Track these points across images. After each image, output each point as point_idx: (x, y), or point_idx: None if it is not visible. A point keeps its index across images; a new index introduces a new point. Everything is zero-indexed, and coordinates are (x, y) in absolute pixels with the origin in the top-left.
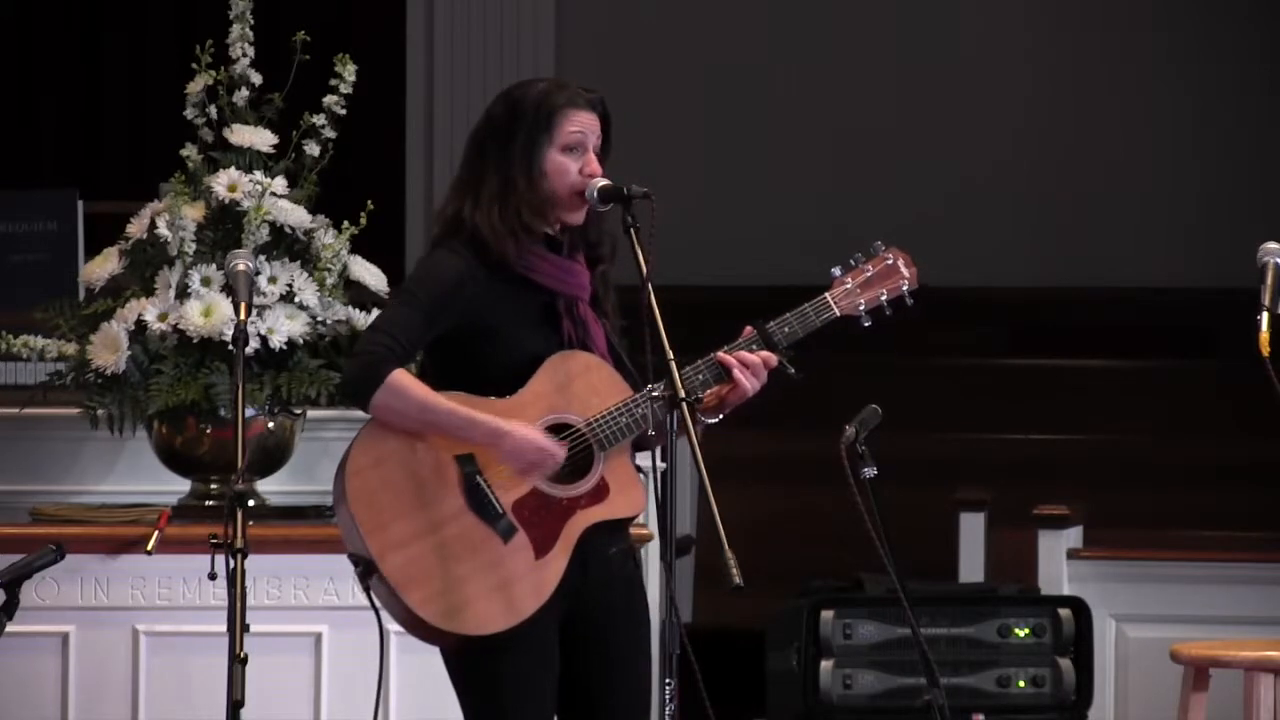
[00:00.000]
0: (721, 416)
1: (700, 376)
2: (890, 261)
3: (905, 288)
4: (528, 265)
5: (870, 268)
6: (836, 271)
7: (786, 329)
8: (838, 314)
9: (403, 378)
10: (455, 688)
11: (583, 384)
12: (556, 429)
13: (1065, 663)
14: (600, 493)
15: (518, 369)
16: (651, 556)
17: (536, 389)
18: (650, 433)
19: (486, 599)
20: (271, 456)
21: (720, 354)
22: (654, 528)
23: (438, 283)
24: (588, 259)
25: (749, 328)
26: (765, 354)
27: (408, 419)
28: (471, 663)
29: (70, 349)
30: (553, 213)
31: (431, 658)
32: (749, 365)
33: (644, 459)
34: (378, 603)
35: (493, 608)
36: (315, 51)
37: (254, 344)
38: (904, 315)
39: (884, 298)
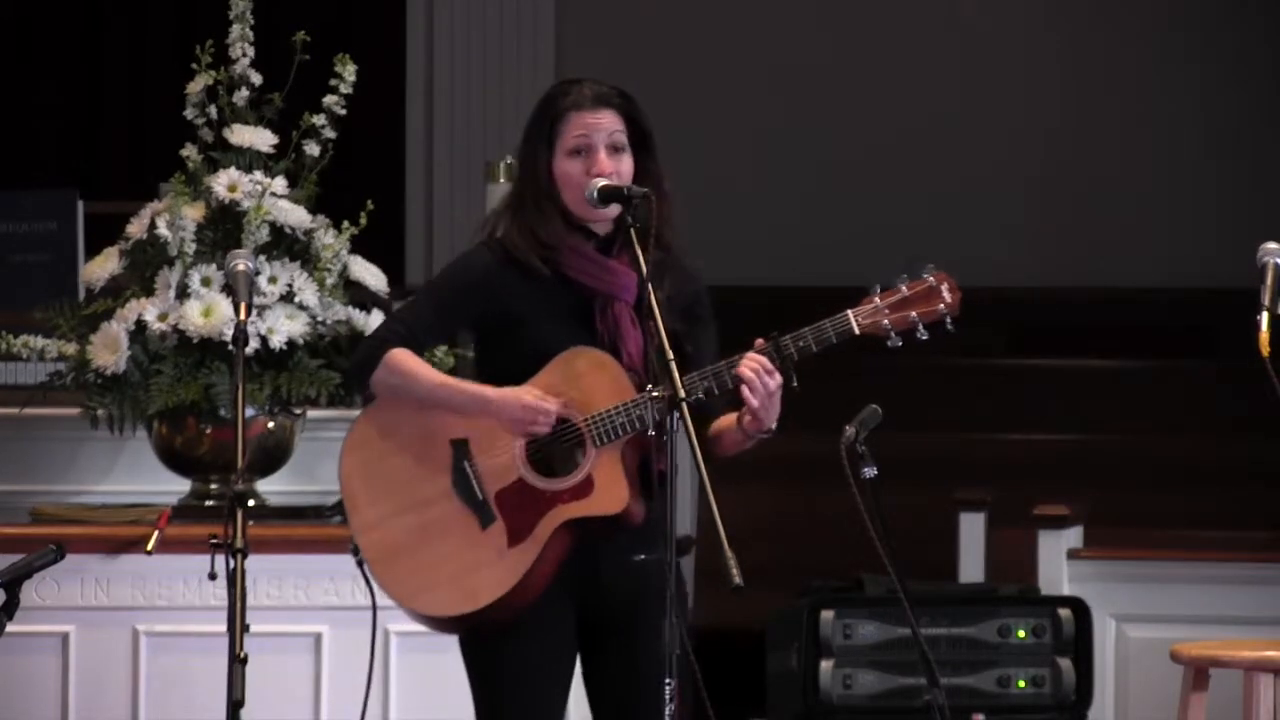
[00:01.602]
0: (771, 429)
1: (705, 383)
2: (932, 284)
3: (945, 312)
4: (564, 263)
5: (906, 289)
6: (876, 289)
7: (800, 342)
8: (857, 332)
9: (401, 354)
10: (467, 675)
11: (590, 381)
12: (556, 423)
13: (1065, 663)
14: (584, 489)
15: (543, 362)
16: None
17: (543, 382)
18: (651, 432)
19: (448, 583)
20: (271, 456)
21: (739, 369)
22: None
23: (456, 276)
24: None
25: (760, 340)
26: (774, 376)
27: (401, 392)
28: (478, 648)
29: (70, 349)
30: (574, 216)
31: (430, 657)
32: (750, 385)
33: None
34: (373, 581)
35: (452, 592)
36: (315, 51)
37: (254, 344)
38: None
39: (918, 321)
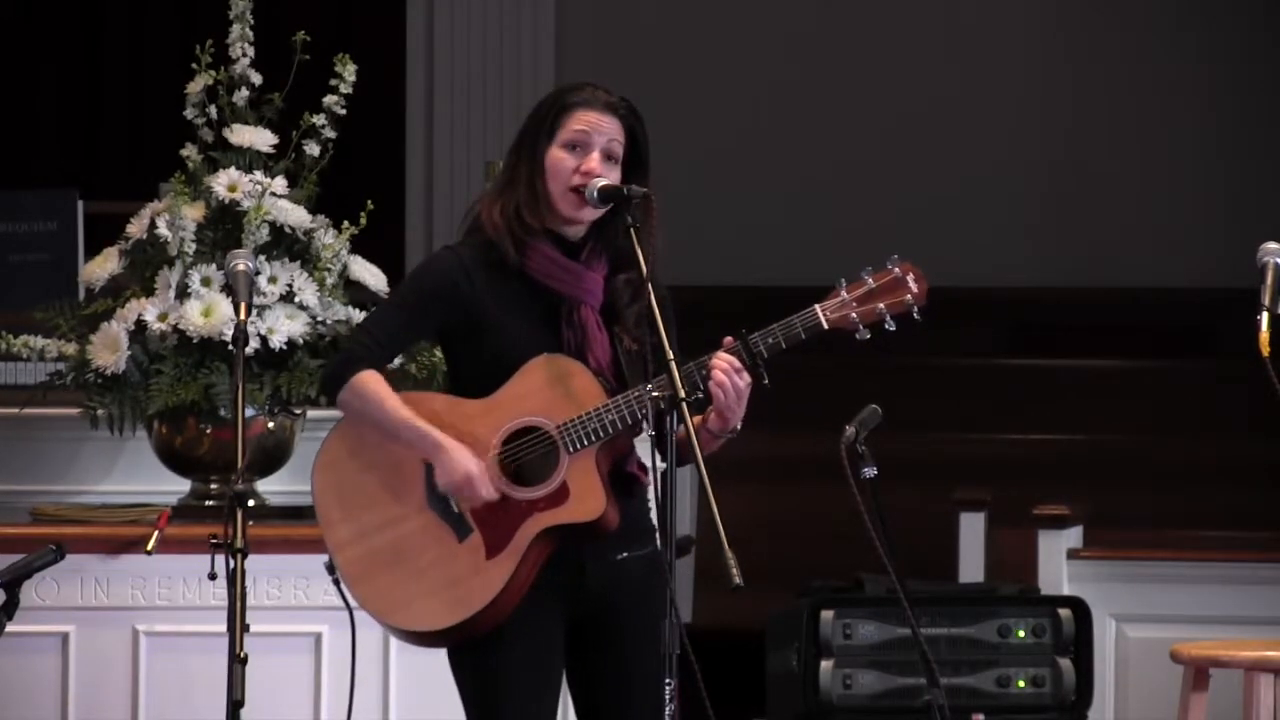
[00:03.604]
0: (736, 428)
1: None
2: (897, 275)
3: (911, 303)
4: (530, 265)
5: (872, 281)
6: (842, 283)
7: (770, 340)
8: (825, 327)
9: (366, 379)
10: (456, 683)
11: (560, 388)
12: (526, 431)
13: (1065, 663)
14: (559, 497)
15: (510, 367)
16: None
17: (513, 391)
18: (650, 432)
19: (429, 597)
20: (271, 456)
21: (710, 369)
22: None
23: (423, 282)
24: (613, 268)
25: (728, 339)
26: (743, 376)
27: (366, 419)
28: (466, 659)
29: (70, 349)
30: (552, 211)
31: (430, 658)
32: (721, 385)
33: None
34: (348, 595)
35: (433, 605)
36: (315, 51)
37: (254, 344)
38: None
39: (885, 312)
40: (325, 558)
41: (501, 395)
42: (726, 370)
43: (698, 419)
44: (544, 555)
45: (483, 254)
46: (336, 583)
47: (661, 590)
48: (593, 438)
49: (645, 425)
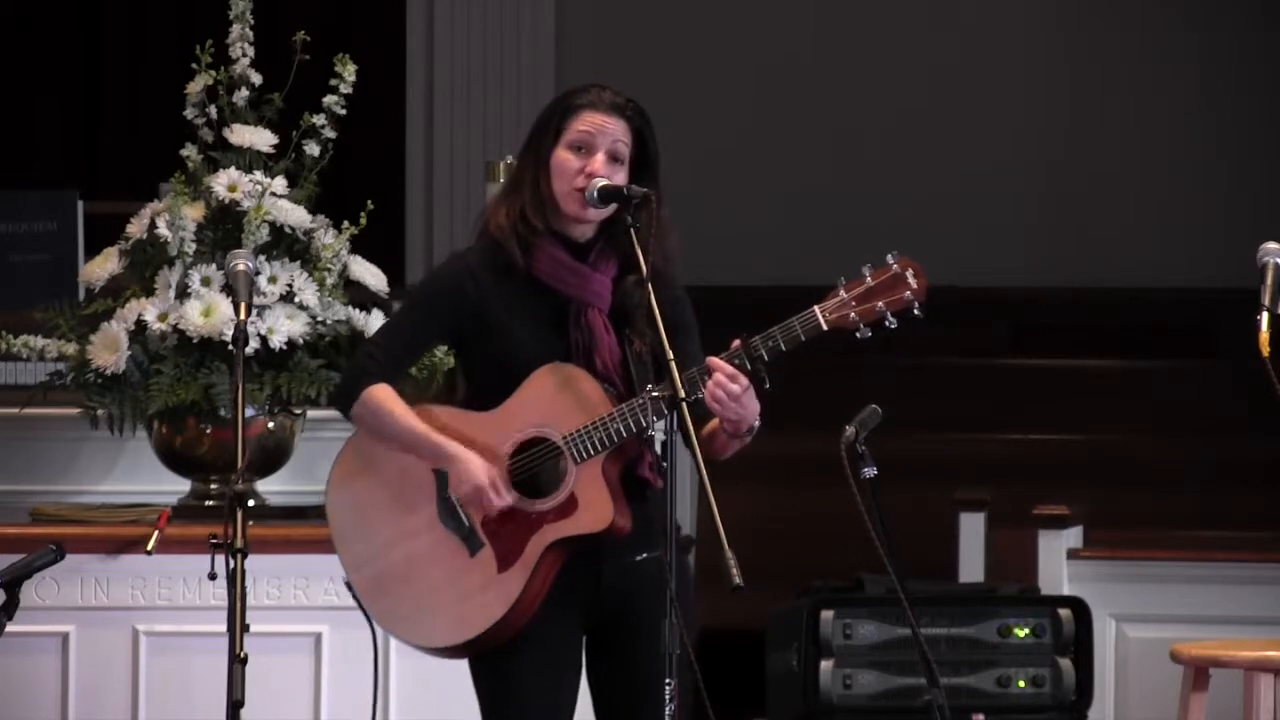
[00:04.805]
0: (753, 427)
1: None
2: (896, 271)
3: (911, 299)
4: (537, 267)
5: (871, 279)
6: (842, 282)
7: (770, 343)
8: (825, 328)
9: (376, 393)
10: (474, 686)
11: (567, 397)
12: (534, 442)
13: (1065, 663)
14: (568, 508)
15: (520, 369)
16: None
17: (519, 401)
18: (652, 433)
19: (441, 612)
20: (271, 456)
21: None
22: None
23: (430, 290)
24: (623, 270)
25: (736, 341)
26: (738, 381)
27: (378, 434)
28: (484, 663)
29: (70, 349)
30: (557, 212)
31: (430, 659)
32: (716, 397)
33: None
34: (370, 614)
35: (447, 621)
36: (315, 51)
37: (254, 344)
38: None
39: (885, 310)
40: (345, 575)
41: (508, 406)
42: (720, 380)
43: (714, 424)
44: (556, 566)
45: (490, 257)
46: (358, 599)
47: (678, 591)
48: (599, 447)
49: (651, 429)
